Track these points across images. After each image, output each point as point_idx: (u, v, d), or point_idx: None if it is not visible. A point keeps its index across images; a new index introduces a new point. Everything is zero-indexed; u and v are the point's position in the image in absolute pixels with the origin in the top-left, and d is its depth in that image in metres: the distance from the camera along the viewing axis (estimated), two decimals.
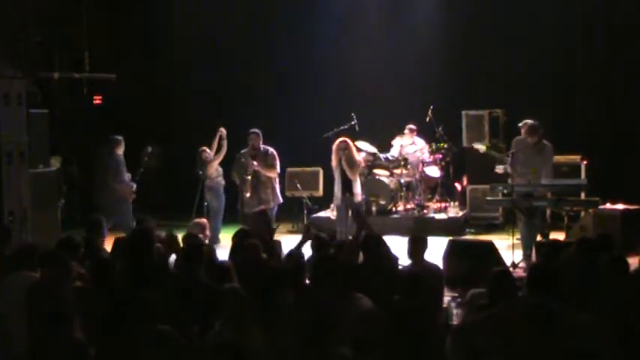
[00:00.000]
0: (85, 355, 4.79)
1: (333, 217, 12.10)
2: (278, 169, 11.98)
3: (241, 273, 6.37)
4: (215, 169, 12.42)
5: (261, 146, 11.89)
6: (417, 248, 7.15)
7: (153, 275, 6.41)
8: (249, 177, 11.69)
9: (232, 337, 4.88)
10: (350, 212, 11.11)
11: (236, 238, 7.93)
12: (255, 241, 7.22)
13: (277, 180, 12.10)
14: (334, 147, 11.62)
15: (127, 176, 11.74)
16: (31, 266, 6.25)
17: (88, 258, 6.88)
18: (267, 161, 11.82)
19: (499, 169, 11.42)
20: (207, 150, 12.35)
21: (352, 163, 11.44)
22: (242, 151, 11.97)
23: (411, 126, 13.86)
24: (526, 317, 4.81)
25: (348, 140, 11.63)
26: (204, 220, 9.28)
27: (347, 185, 11.43)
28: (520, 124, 11.50)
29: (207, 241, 8.55)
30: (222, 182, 12.54)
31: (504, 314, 4.99)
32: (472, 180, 13.76)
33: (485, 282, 5.60)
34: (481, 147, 12.46)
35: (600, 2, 14.26)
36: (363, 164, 12.11)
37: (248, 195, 11.75)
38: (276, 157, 11.90)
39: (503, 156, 11.60)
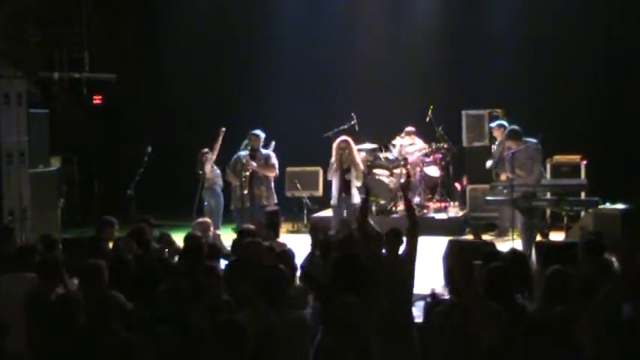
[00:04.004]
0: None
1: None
2: (277, 171, 11.74)
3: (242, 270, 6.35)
4: (210, 169, 12.36)
5: (261, 149, 11.62)
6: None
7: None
8: (247, 173, 11.57)
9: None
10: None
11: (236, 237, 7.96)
12: (255, 239, 7.19)
13: (273, 182, 11.91)
14: (335, 146, 11.56)
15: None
16: (30, 267, 6.23)
17: (94, 257, 6.86)
18: (266, 162, 11.54)
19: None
20: (209, 153, 12.31)
21: (354, 163, 11.41)
22: (240, 152, 11.78)
23: (409, 128, 13.84)
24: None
25: (349, 140, 11.58)
26: (207, 220, 9.24)
27: (345, 185, 11.41)
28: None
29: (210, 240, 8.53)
30: (220, 182, 12.50)
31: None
32: (472, 180, 13.75)
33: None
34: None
35: (600, 2, 14.26)
36: (362, 166, 11.99)
37: (246, 192, 11.61)
38: (275, 159, 11.62)
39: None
